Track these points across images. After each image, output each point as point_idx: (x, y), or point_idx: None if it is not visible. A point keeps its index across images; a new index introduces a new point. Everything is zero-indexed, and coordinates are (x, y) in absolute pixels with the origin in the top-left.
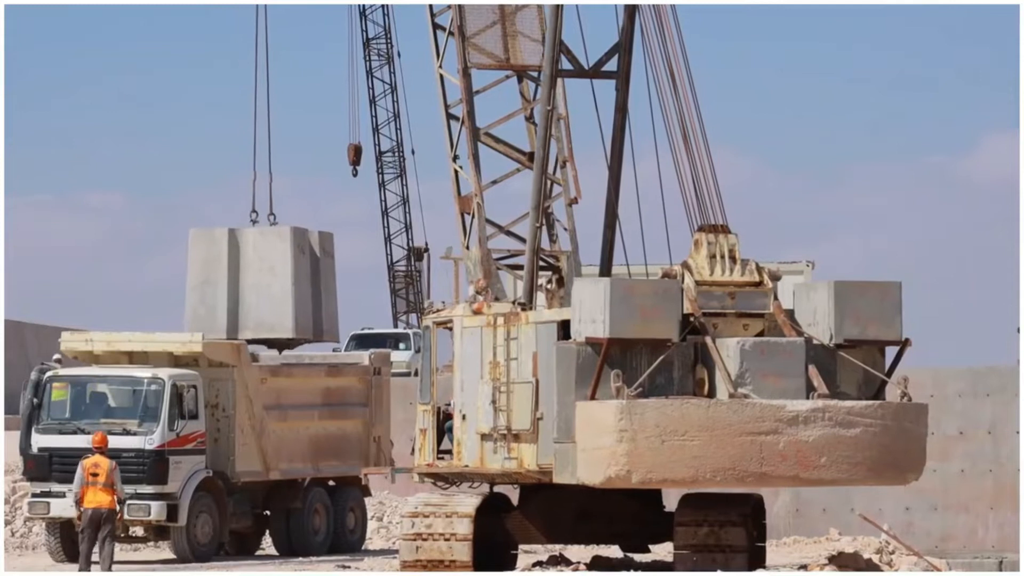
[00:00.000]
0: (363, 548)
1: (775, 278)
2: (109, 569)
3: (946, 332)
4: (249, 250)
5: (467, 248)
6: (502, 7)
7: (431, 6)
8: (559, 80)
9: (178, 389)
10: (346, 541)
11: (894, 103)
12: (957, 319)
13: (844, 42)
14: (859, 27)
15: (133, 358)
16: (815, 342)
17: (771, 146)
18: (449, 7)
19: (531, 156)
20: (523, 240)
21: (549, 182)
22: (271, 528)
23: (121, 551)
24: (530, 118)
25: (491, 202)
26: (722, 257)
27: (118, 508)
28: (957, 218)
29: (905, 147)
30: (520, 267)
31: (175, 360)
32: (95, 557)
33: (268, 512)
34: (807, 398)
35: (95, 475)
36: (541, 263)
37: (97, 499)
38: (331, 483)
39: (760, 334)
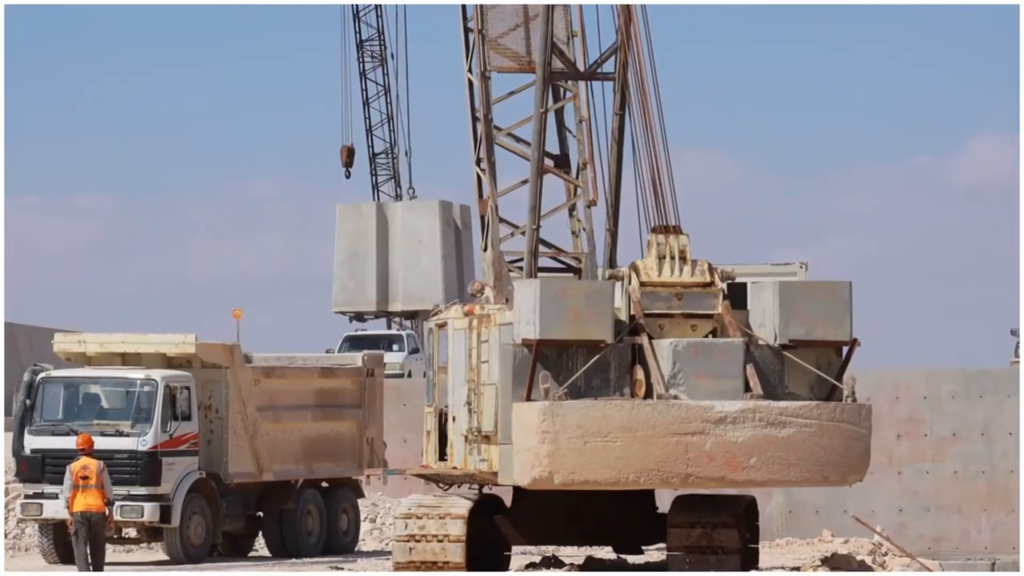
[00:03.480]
0: (356, 549)
1: (728, 278)
2: (100, 570)
3: (938, 333)
4: (397, 223)
5: (484, 250)
6: (526, 9)
7: (464, 7)
8: (585, 83)
9: (171, 390)
10: (339, 542)
11: (882, 104)
12: (949, 320)
13: (836, 44)
14: (852, 29)
15: (126, 359)
16: (761, 343)
17: (761, 148)
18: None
19: (555, 158)
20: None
21: (572, 184)
22: (264, 529)
23: (114, 552)
24: (559, 121)
25: (512, 205)
26: (672, 258)
27: (108, 510)
28: (946, 220)
29: (892, 148)
30: (540, 269)
31: (168, 361)
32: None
33: (261, 513)
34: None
35: (85, 478)
36: (562, 264)
37: (87, 502)
38: (324, 484)
39: (713, 334)
